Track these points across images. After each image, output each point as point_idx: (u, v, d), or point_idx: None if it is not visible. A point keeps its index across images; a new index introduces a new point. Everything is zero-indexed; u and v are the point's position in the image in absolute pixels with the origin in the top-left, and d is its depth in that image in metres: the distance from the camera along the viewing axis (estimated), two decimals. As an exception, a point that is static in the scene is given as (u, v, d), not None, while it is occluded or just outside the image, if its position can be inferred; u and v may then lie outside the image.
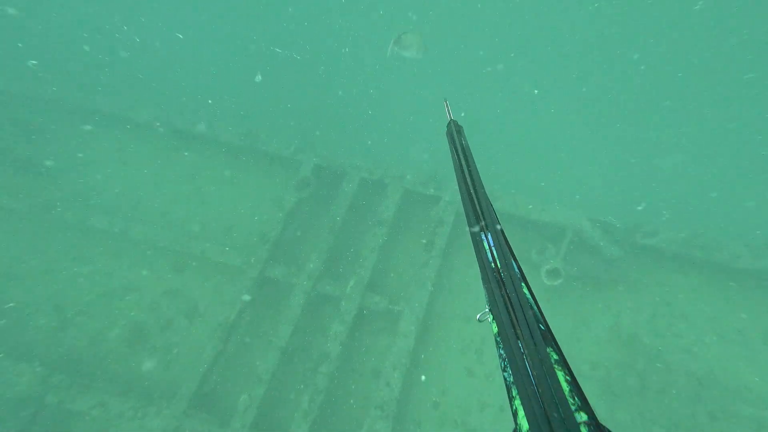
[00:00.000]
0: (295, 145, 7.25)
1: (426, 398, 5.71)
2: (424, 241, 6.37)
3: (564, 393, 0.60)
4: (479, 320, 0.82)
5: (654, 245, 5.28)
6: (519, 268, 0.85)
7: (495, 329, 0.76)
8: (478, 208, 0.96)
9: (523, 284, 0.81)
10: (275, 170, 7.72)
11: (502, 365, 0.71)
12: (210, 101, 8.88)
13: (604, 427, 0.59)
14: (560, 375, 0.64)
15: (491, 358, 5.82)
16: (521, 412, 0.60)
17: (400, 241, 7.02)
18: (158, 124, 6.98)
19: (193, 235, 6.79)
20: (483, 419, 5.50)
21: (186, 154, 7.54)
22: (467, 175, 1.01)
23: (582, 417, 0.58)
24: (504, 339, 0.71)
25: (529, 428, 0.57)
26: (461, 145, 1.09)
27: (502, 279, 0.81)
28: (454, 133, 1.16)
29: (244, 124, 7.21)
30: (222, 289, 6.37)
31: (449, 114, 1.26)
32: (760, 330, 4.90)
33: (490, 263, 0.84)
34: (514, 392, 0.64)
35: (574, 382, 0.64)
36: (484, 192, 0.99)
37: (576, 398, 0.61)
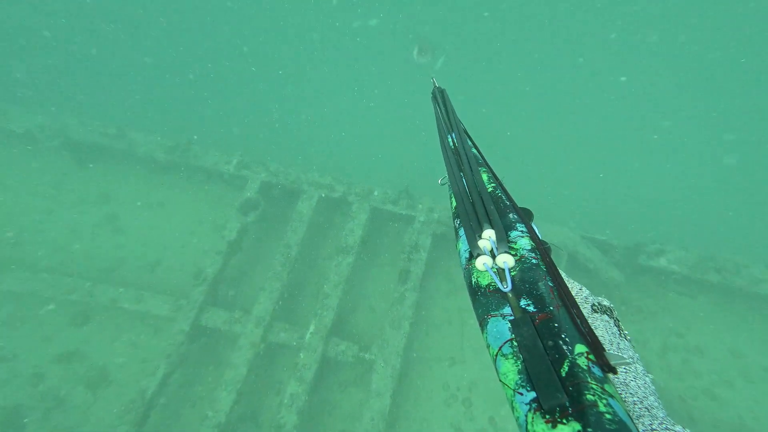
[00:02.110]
0: (238, 158, 5.99)
1: (408, 467, 4.64)
2: (398, 270, 5.35)
3: (485, 183, 0.81)
4: (441, 184, 0.96)
5: (660, 267, 4.68)
6: (471, 138, 1.03)
7: (453, 202, 0.87)
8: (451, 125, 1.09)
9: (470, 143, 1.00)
10: (214, 190, 6.39)
11: (456, 224, 0.80)
12: (123, 101, 7.29)
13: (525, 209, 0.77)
14: (484, 177, 0.85)
15: (481, 410, 4.88)
16: (461, 233, 0.75)
17: (369, 271, 5.96)
18: (48, 133, 5.41)
19: (101, 276, 5.27)
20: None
21: (91, 167, 5.97)
22: (446, 118, 1.10)
23: (490, 187, 0.83)
24: (451, 177, 0.87)
25: (458, 209, 0.77)
26: (442, 99, 1.18)
27: (454, 142, 0.99)
28: (437, 93, 1.24)
29: (172, 134, 5.83)
30: (140, 347, 4.92)
31: (435, 84, 1.34)
32: (793, 368, 4.29)
33: (450, 145, 1.00)
34: (459, 229, 0.77)
35: (499, 185, 0.84)
36: (464, 128, 1.08)
37: (498, 191, 0.81)
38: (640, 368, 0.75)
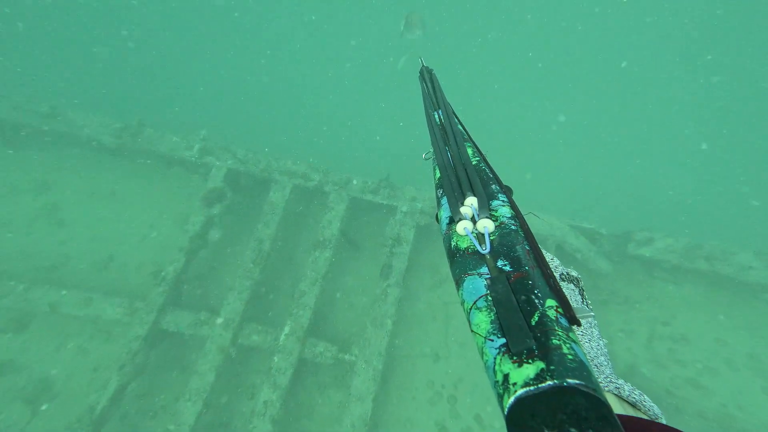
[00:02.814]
0: (201, 143, 5.40)
1: (391, 470, 4.41)
2: (379, 264, 5.02)
3: (469, 157, 0.82)
4: (425, 158, 0.95)
5: (648, 256, 4.61)
6: (456, 116, 1.02)
7: (437, 174, 0.86)
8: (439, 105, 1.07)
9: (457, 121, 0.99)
10: (174, 178, 5.77)
11: (439, 193, 0.81)
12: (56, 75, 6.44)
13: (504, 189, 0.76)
14: (469, 151, 0.85)
15: (467, 407, 4.71)
16: (443, 202, 0.76)
17: (348, 267, 5.60)
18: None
19: (40, 276, 4.62)
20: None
21: (25, 150, 5.20)
22: (434, 96, 1.10)
23: (474, 160, 0.83)
24: (436, 150, 0.87)
25: (443, 183, 0.77)
26: (430, 79, 1.17)
27: (440, 118, 0.98)
28: (425, 72, 1.23)
29: (120, 113, 5.15)
30: (90, 355, 4.36)
31: (422, 63, 1.32)
32: (777, 354, 4.30)
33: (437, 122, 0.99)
34: (442, 198, 0.78)
35: (483, 159, 0.84)
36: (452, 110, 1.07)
37: (481, 164, 0.81)
38: (595, 332, 0.82)
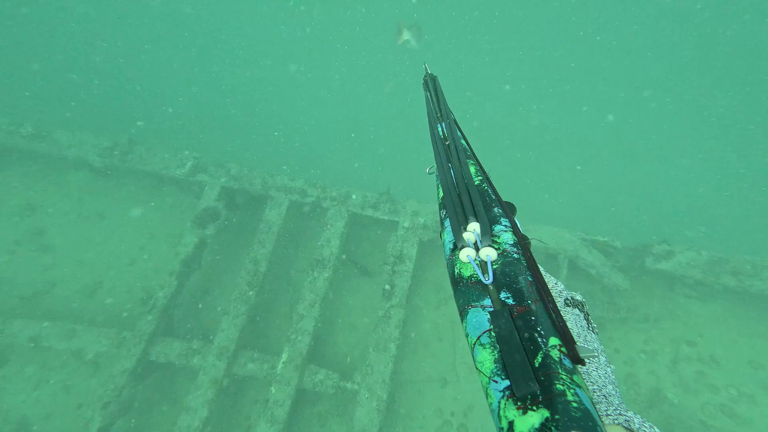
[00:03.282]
0: (193, 160, 5.18)
1: None
2: (387, 287, 4.75)
3: (472, 176, 0.81)
4: (428, 173, 0.95)
5: (669, 271, 4.30)
6: (460, 130, 1.00)
7: (440, 193, 0.84)
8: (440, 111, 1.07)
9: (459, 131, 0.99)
10: (166, 197, 5.54)
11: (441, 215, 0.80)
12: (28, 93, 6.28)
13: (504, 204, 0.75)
14: (472, 169, 0.83)
15: (481, 436, 4.38)
16: (446, 225, 0.75)
17: (349, 287, 5.33)
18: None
19: (23, 305, 4.36)
20: None
21: (8, 172, 4.98)
22: (437, 106, 1.08)
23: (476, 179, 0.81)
24: (439, 168, 0.86)
25: (445, 202, 0.77)
26: (434, 87, 1.15)
27: (443, 131, 0.98)
28: (429, 80, 1.21)
29: (108, 133, 4.94)
30: (74, 392, 4.06)
31: (426, 70, 1.31)
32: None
33: (440, 135, 0.98)
34: (445, 219, 0.77)
35: (485, 178, 0.82)
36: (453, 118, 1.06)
37: (484, 184, 0.80)
38: (602, 359, 0.79)
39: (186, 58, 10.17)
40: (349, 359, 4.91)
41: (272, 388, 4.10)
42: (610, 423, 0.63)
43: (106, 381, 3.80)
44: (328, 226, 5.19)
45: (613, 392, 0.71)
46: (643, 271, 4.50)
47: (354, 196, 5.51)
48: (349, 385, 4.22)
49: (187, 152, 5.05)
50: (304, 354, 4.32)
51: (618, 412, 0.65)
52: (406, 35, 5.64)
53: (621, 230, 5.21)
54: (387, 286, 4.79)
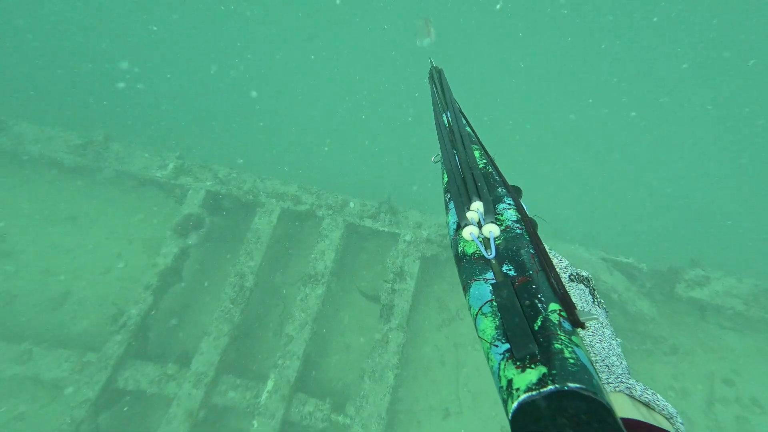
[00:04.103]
0: (176, 161, 4.71)
1: None
2: (384, 305, 4.32)
3: (477, 159, 0.81)
4: (434, 161, 0.93)
5: (704, 300, 3.87)
6: (463, 115, 1.00)
7: (445, 178, 0.84)
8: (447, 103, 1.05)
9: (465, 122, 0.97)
10: (148, 199, 5.07)
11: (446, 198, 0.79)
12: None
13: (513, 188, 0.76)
14: (476, 153, 0.84)
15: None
16: (451, 207, 0.75)
17: (343, 305, 4.90)
18: None
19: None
20: None
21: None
22: (442, 97, 1.07)
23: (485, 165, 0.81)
24: (444, 154, 0.86)
25: (449, 187, 0.76)
26: (439, 80, 1.15)
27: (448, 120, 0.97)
28: (434, 73, 1.20)
29: (82, 128, 4.46)
30: (29, 421, 3.59)
31: (432, 63, 1.28)
32: None
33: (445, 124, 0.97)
34: (450, 203, 0.77)
35: (490, 161, 0.83)
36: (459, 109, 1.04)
37: (488, 167, 0.80)
38: (607, 332, 0.80)
39: (178, 40, 9.63)
40: (341, 384, 4.48)
41: (255, 422, 3.66)
42: (611, 390, 0.63)
43: (62, 413, 3.34)
44: (323, 237, 4.75)
45: (617, 363, 0.72)
46: (671, 296, 4.08)
47: (352, 204, 5.07)
48: (341, 418, 3.79)
49: (170, 152, 4.59)
50: (291, 382, 3.88)
51: (620, 380, 0.65)
52: (426, 33, 5.56)
53: (644, 246, 4.77)
54: (384, 304, 4.36)
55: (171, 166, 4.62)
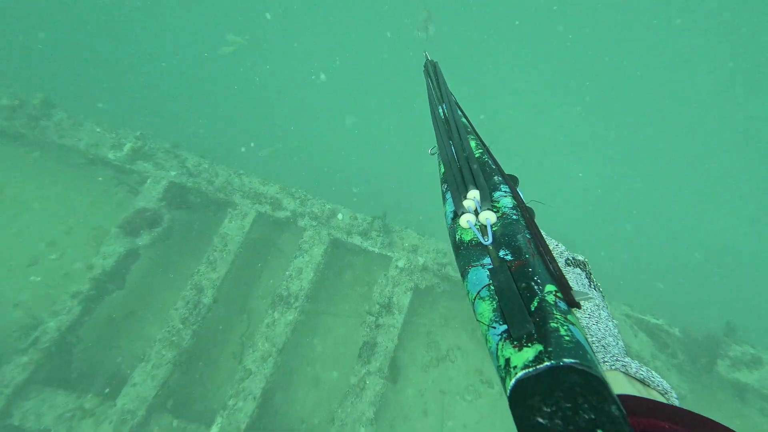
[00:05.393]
0: (135, 141, 3.90)
1: None
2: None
3: (473, 149, 0.81)
4: (431, 154, 0.93)
5: (751, 384, 3.28)
6: (460, 108, 0.99)
7: (442, 169, 0.84)
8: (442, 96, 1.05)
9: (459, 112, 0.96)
10: (95, 182, 4.23)
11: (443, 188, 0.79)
12: None
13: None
14: (472, 143, 0.84)
15: None
16: (449, 197, 0.74)
17: (317, 336, 4.19)
18: None
19: None
20: None
21: None
22: (438, 90, 1.07)
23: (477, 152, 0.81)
24: (440, 145, 0.85)
25: (446, 176, 0.76)
26: (434, 73, 1.16)
27: (444, 112, 0.96)
28: (429, 66, 1.21)
29: (11, 87, 3.60)
30: None
31: (427, 57, 1.29)
32: None
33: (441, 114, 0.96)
34: (446, 192, 0.76)
35: (486, 151, 0.83)
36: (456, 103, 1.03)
37: (484, 156, 0.80)
38: (603, 314, 0.81)
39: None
40: (305, 427, 3.78)
41: (189, 481, 2.92)
42: (608, 369, 0.65)
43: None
44: (303, 252, 4.04)
45: (613, 342, 0.72)
46: (714, 376, 3.45)
47: (340, 216, 4.38)
48: (298, 482, 3.10)
49: (129, 130, 3.78)
50: (242, 429, 3.16)
51: (615, 358, 0.66)
52: (426, 26, 5.40)
53: (682, 312, 4.18)
54: (365, 342, 3.68)
55: (128, 147, 3.81)
